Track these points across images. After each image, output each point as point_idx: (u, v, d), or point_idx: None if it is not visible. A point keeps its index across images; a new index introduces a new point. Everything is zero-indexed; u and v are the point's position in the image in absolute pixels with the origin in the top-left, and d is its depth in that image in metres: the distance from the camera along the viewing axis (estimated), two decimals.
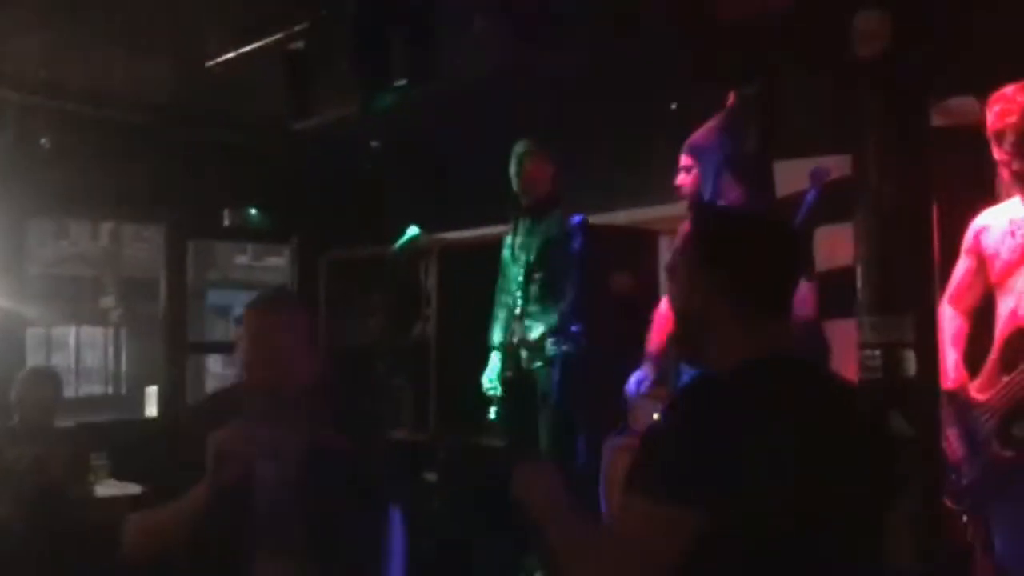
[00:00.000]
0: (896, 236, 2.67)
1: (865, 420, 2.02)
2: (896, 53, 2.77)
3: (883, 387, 2.61)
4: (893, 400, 2.57)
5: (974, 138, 4.15)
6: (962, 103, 4.13)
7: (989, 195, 4.11)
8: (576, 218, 4.21)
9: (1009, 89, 3.21)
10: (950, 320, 3.35)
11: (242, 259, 19.17)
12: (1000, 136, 3.20)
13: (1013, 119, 3.15)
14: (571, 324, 4.43)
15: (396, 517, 3.03)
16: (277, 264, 18.45)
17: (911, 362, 2.57)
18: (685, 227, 2.02)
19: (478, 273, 5.44)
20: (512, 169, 5.08)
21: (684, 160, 4.06)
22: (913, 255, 2.66)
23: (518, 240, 5.09)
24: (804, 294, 3.54)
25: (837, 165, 3.99)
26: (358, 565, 2.78)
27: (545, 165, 5.04)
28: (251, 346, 2.72)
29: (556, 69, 4.75)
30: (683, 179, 4.11)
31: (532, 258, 4.93)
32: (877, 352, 2.62)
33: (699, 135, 4.11)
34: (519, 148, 5.10)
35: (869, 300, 2.69)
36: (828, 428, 1.84)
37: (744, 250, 1.94)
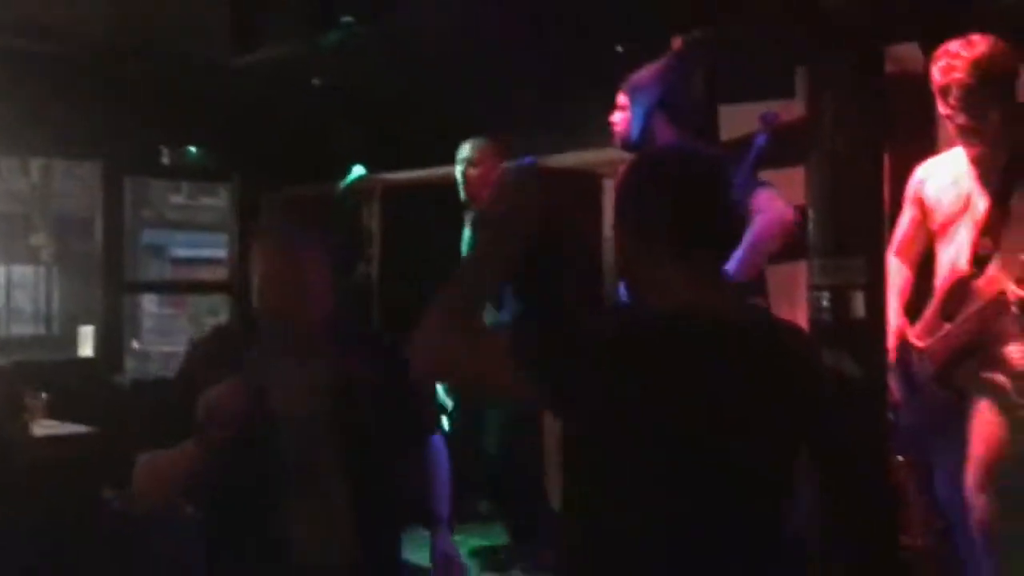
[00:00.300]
0: (848, 181, 2.71)
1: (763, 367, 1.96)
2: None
3: (832, 328, 2.67)
4: (842, 341, 2.63)
5: (918, 87, 4.22)
6: (907, 50, 4.18)
7: (932, 144, 4.18)
8: (527, 159, 4.19)
9: (954, 44, 3.28)
10: (896, 272, 3.42)
11: (177, 199, 18.84)
12: (945, 91, 3.29)
13: (958, 75, 3.23)
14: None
15: (438, 443, 2.88)
16: (213, 204, 18.19)
17: (860, 304, 2.63)
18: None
19: (422, 214, 5.42)
20: (457, 174, 4.94)
21: (620, 99, 4.01)
22: (864, 201, 2.71)
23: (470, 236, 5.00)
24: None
25: (784, 109, 4.02)
26: (398, 499, 2.66)
27: (491, 170, 4.82)
28: (272, 269, 2.56)
29: (506, 13, 4.71)
30: (616, 118, 4.05)
31: None
32: (826, 293, 2.68)
33: (639, 75, 4.08)
34: (462, 152, 4.94)
35: (820, 243, 2.73)
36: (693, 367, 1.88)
37: (646, 192, 1.97)
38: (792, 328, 2.15)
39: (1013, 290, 3.10)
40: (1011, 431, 3.22)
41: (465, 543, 4.81)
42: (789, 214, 3.50)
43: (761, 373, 1.92)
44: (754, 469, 1.91)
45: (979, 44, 3.23)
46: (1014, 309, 3.10)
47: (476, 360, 1.93)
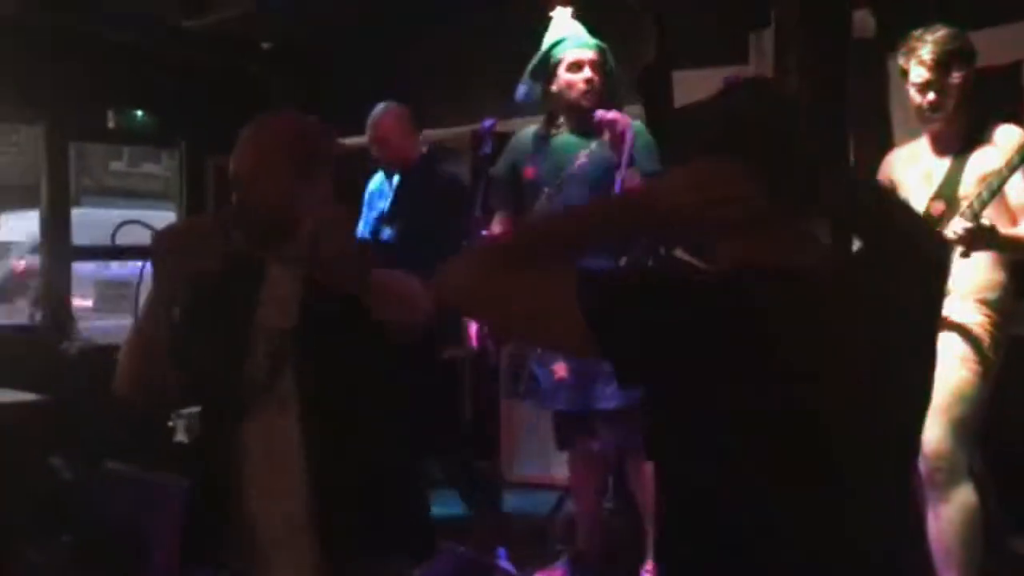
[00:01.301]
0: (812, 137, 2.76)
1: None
2: None
3: None
4: None
5: (867, 52, 4.29)
6: (860, 17, 4.25)
7: (882, 107, 4.29)
8: (486, 123, 4.19)
9: (916, 31, 3.47)
10: None
11: (118, 165, 18.58)
12: (910, 72, 3.47)
13: (924, 56, 3.41)
14: None
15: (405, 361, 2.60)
16: (154, 171, 17.96)
17: None
18: None
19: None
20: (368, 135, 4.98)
21: (588, 55, 4.03)
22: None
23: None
24: None
25: (739, 74, 4.06)
26: (369, 415, 2.45)
27: (399, 133, 4.93)
28: (247, 157, 2.43)
29: None
30: (588, 75, 4.04)
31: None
32: None
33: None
34: (372, 113, 4.97)
35: None
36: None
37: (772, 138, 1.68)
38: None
39: (955, 224, 3.23)
40: (963, 385, 3.35)
41: None
42: None
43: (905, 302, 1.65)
44: (907, 421, 1.68)
45: (939, 30, 3.43)
46: (957, 251, 3.23)
47: (528, 298, 1.59)
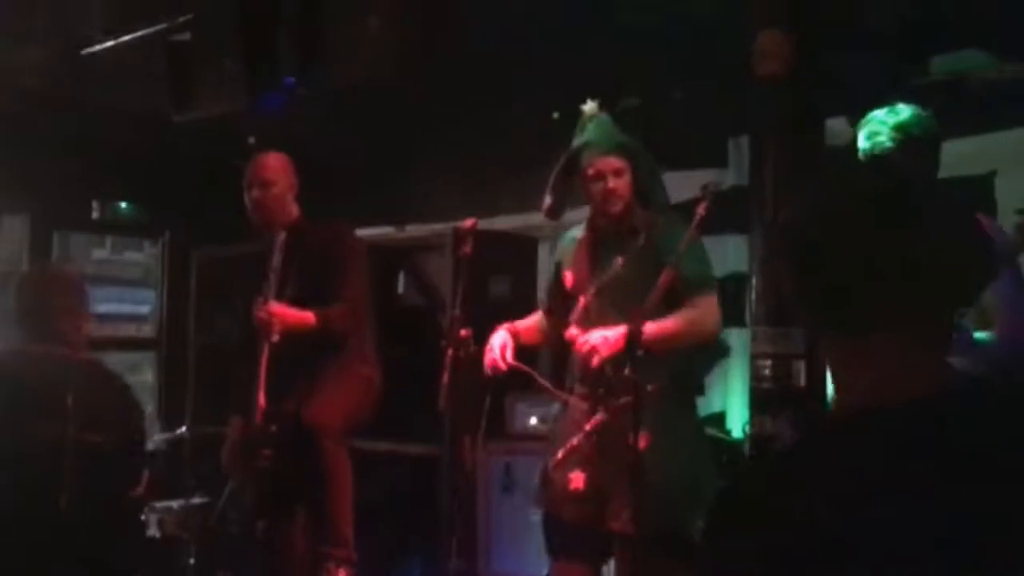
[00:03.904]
0: None
1: None
2: (796, 74, 2.89)
3: (773, 395, 2.72)
4: (783, 408, 2.67)
5: (843, 159, 4.36)
6: (833, 124, 4.33)
7: None
8: (468, 222, 3.98)
9: (879, 111, 3.36)
10: None
11: (100, 253, 18.53)
12: (869, 155, 3.31)
13: (881, 139, 3.30)
14: None
15: None
16: (137, 259, 17.92)
17: (801, 373, 2.68)
18: None
19: None
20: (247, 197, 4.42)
21: (614, 163, 3.61)
22: None
23: None
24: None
25: (717, 178, 4.12)
26: None
27: (283, 169, 4.45)
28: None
29: (449, 77, 4.77)
30: (614, 184, 3.61)
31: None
32: (769, 362, 2.73)
33: None
34: (254, 173, 4.40)
35: (762, 313, 2.80)
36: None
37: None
38: None
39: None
40: None
41: None
42: None
43: None
44: None
45: (903, 111, 3.32)
46: None
47: None
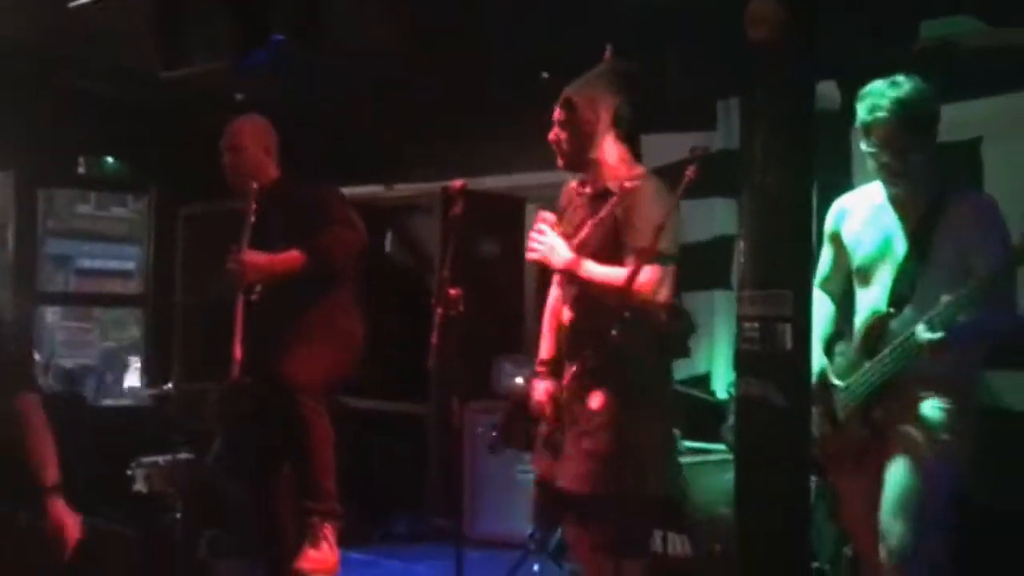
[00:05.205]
0: (778, 217, 2.80)
1: None
2: (786, 39, 2.88)
3: (760, 358, 2.74)
4: (769, 371, 2.69)
5: (831, 124, 4.37)
6: (824, 88, 4.33)
7: (847, 179, 4.34)
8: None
9: (879, 83, 3.32)
10: (819, 304, 3.49)
11: (85, 208, 18.44)
12: (868, 129, 3.30)
13: (882, 114, 3.28)
14: None
15: None
16: (122, 215, 17.84)
17: (788, 335, 2.70)
18: None
19: None
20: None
21: (558, 115, 3.55)
22: (793, 236, 2.81)
23: None
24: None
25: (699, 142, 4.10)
26: None
27: (255, 135, 4.44)
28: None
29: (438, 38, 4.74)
30: (555, 136, 3.76)
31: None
32: (756, 324, 2.75)
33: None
34: (226, 137, 4.44)
35: (751, 275, 2.81)
36: None
37: None
38: None
39: (920, 331, 3.15)
40: (923, 480, 3.22)
41: None
42: None
43: None
44: None
45: (904, 84, 3.27)
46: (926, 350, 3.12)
47: None
